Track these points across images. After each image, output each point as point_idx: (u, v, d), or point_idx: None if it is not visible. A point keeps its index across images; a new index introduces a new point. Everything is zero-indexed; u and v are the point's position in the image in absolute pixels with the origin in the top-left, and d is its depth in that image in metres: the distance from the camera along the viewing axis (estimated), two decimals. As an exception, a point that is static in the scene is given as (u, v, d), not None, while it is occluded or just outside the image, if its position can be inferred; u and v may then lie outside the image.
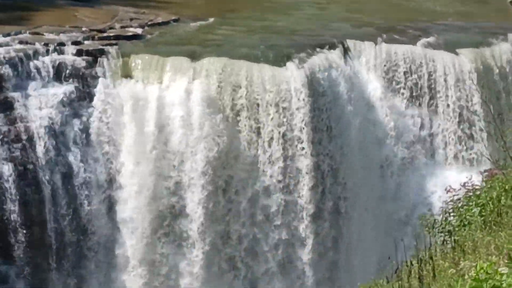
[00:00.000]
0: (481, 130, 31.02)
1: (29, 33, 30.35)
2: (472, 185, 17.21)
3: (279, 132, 29.20)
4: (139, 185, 28.67)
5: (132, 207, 28.78)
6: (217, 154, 28.84)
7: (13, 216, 27.70)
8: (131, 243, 28.88)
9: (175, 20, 33.28)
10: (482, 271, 5.96)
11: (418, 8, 37.40)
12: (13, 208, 27.64)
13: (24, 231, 27.79)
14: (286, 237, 29.61)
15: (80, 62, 29.01)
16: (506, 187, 15.11)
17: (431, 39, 32.87)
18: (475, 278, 5.67)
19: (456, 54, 31.81)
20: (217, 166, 28.82)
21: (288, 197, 29.64)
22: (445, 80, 31.48)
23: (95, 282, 29.10)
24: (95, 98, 28.75)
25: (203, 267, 29.15)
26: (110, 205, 28.86)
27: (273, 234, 29.59)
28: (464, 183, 17.65)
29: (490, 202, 15.13)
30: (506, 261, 8.27)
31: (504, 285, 5.69)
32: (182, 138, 28.74)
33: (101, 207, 28.74)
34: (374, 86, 31.45)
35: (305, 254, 29.83)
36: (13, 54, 28.47)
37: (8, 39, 29.53)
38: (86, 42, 30.01)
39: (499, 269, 6.61)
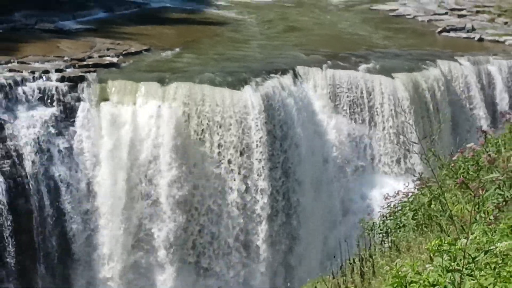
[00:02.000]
0: (414, 143, 31.35)
1: (17, 62, 30.26)
2: (407, 192, 17.75)
3: (239, 147, 29.27)
4: (114, 193, 28.86)
5: (108, 213, 28.84)
6: (181, 167, 29.00)
7: (5, 225, 27.80)
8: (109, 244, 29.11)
9: (146, 50, 33.17)
10: (405, 268, 6.44)
11: (358, 39, 37.39)
12: (4, 217, 27.78)
13: (14, 237, 27.76)
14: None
15: (63, 87, 28.91)
16: (435, 194, 15.68)
17: (370, 65, 32.90)
18: (395, 275, 6.00)
19: (392, 77, 31.88)
20: (183, 177, 28.89)
21: (251, 204, 29.68)
22: (382, 100, 31.48)
23: (80, 280, 29.10)
24: (77, 119, 28.72)
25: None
26: (89, 212, 28.94)
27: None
28: (399, 190, 18.19)
29: (422, 207, 15.68)
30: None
31: (418, 281, 5.97)
32: (151, 152, 28.81)
33: (81, 214, 28.89)
34: (320, 105, 31.41)
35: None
36: (2, 80, 28.40)
37: None
38: (68, 70, 29.90)
39: (427, 266, 7.08)
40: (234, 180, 29.56)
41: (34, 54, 31.57)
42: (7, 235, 27.57)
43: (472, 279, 5.96)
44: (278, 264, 30.50)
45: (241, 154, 29.44)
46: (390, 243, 15.94)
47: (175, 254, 29.24)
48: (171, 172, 28.80)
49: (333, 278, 16.57)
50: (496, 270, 6.28)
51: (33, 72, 29.41)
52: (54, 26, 36.23)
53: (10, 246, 27.71)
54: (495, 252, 6.75)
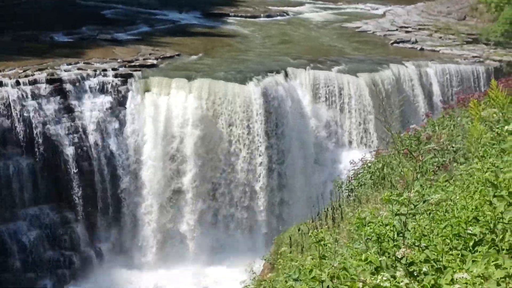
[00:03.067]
0: (373, 124, 31.34)
1: (83, 63, 30.32)
2: (367, 160, 17.78)
3: (245, 126, 29.26)
4: (153, 157, 28.96)
5: (149, 171, 28.96)
6: (202, 143, 29.04)
7: (74, 180, 27.95)
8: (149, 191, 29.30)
9: (177, 55, 33.05)
10: (364, 214, 6.45)
11: (332, 48, 37.28)
12: (74, 175, 27.89)
13: (81, 190, 28.04)
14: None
15: (117, 81, 29.04)
16: (387, 160, 15.69)
17: (341, 67, 32.82)
18: (358, 218, 5.99)
19: (357, 76, 31.80)
20: (202, 141, 28.93)
21: (251, 167, 29.73)
22: (350, 93, 31.35)
23: (127, 218, 29.30)
24: (127, 105, 28.80)
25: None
26: (136, 170, 29.08)
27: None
28: (361, 158, 18.22)
29: (377, 170, 15.70)
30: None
31: (374, 222, 6.05)
32: (180, 126, 28.80)
33: (130, 174, 29.05)
34: (304, 97, 31.29)
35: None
36: (73, 76, 28.59)
37: (70, 67, 29.64)
38: (120, 69, 29.91)
39: (380, 212, 7.06)
40: (240, 143, 29.56)
41: (96, 57, 31.61)
42: (76, 188, 27.91)
43: (413, 221, 5.97)
44: (272, 214, 30.58)
45: (246, 128, 29.40)
46: (354, 197, 16.02)
47: (198, 195, 29.35)
48: (193, 138, 28.74)
49: (312, 221, 16.63)
50: (431, 214, 6.27)
51: (95, 70, 29.48)
52: (111, 37, 36.21)
53: (78, 196, 28.03)
54: (430, 201, 6.76)
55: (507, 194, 4.96)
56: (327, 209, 16.64)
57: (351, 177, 17.75)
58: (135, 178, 29.00)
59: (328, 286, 5.27)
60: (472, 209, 5.04)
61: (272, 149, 30.14)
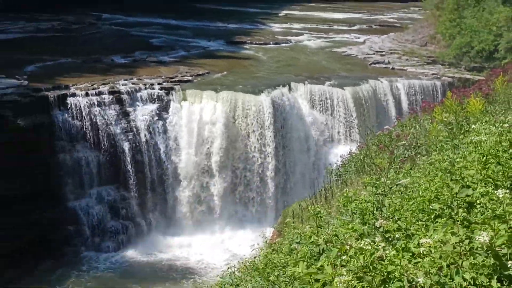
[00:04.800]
0: (356, 125, 31.17)
1: (136, 79, 30.34)
2: (352, 152, 17.61)
3: (258, 127, 29.19)
4: (188, 150, 28.94)
5: (185, 162, 29.00)
6: (230, 146, 29.06)
7: (129, 167, 28.08)
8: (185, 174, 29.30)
9: (207, 73, 32.88)
10: (350, 194, 6.42)
11: (324, 68, 36.98)
12: (128, 164, 28.05)
13: (134, 175, 28.18)
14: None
15: (161, 93, 29.06)
16: (367, 153, 15.54)
17: (331, 82, 32.59)
18: (344, 196, 6.01)
19: (343, 89, 31.62)
20: (227, 139, 28.87)
21: (262, 156, 29.61)
22: (338, 102, 31.16)
23: (170, 194, 29.29)
24: (169, 111, 28.82)
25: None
26: (176, 161, 29.08)
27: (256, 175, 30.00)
28: (349, 152, 18.06)
29: (359, 160, 15.55)
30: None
31: (358, 200, 6.08)
32: (210, 127, 28.70)
33: (171, 163, 29.08)
34: (303, 105, 31.11)
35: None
36: (129, 89, 28.75)
37: (126, 82, 29.69)
38: (164, 83, 29.83)
39: (362, 193, 7.04)
40: (254, 139, 29.44)
41: (146, 74, 31.52)
42: (131, 173, 28.08)
43: (388, 199, 5.94)
44: (279, 194, 30.52)
45: (260, 128, 29.25)
46: (341, 181, 15.87)
47: (222, 179, 29.31)
48: (219, 135, 28.69)
49: (310, 199, 16.55)
50: (402, 194, 6.24)
51: (145, 84, 29.58)
52: (157, 59, 36.13)
53: (132, 179, 28.18)
54: (401, 184, 6.73)
55: (460, 179, 4.96)
56: (321, 190, 16.52)
57: (339, 166, 17.62)
58: (174, 165, 28.99)
59: (323, 248, 5.27)
60: (433, 190, 5.03)
61: (279, 144, 29.99)
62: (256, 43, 44.81)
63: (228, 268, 10.05)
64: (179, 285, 24.91)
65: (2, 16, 46.76)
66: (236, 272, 9.88)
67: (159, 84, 29.70)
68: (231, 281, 9.35)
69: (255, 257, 10.35)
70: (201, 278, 25.25)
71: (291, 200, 26.22)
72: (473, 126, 8.57)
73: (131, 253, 27.22)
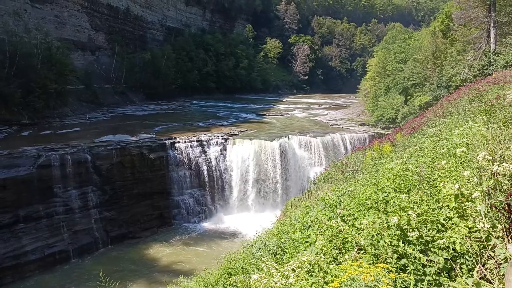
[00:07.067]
0: (324, 157, 30.48)
1: (209, 134, 30.03)
2: (322, 172, 17.14)
3: (272, 159, 28.74)
4: (236, 172, 28.39)
5: (235, 178, 28.38)
6: (258, 167, 28.57)
7: (206, 180, 27.53)
8: (235, 184, 28.61)
9: (246, 130, 32.79)
10: (323, 195, 6.27)
11: (306, 127, 36.44)
12: (205, 177, 27.51)
13: (208, 183, 27.57)
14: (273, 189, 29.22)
15: (222, 140, 28.82)
16: (330, 172, 15.01)
17: (311, 134, 32.00)
18: (321, 196, 6.00)
19: (316, 138, 30.96)
20: (257, 169, 28.32)
21: (274, 175, 28.75)
22: (314, 145, 30.51)
23: (227, 193, 28.44)
24: (226, 149, 28.66)
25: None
26: (229, 176, 28.56)
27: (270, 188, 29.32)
28: (321, 172, 17.54)
29: (327, 176, 15.05)
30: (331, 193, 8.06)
31: (327, 199, 5.98)
32: (247, 163, 28.29)
33: (226, 177, 28.46)
34: (297, 147, 30.45)
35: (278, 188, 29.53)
36: (206, 138, 28.54)
37: (205, 134, 29.42)
38: (224, 136, 29.48)
39: (328, 194, 6.88)
40: (270, 166, 28.89)
41: (215, 132, 31.36)
42: (206, 182, 27.69)
43: (343, 198, 5.75)
44: (284, 193, 29.82)
45: (273, 160, 28.78)
46: (317, 187, 15.48)
47: (253, 185, 28.63)
48: (253, 164, 28.28)
49: (300, 196, 16.18)
50: (350, 196, 6.08)
51: (214, 136, 29.34)
52: (219, 124, 36.27)
53: (207, 184, 27.75)
54: (349, 190, 6.55)
55: (381, 188, 4.91)
56: (306, 191, 16.17)
57: (315, 178, 17.28)
58: (230, 176, 28.59)
59: (309, 225, 5.22)
60: (367, 194, 4.98)
61: (283, 168, 29.44)
62: (271, 115, 45.03)
63: (257, 233, 9.92)
64: (230, 240, 24.46)
65: (145, 103, 50.49)
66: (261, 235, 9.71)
67: (221, 136, 29.71)
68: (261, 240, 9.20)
69: (271, 227, 10.19)
70: (242, 237, 24.77)
71: (290, 196, 25.71)
72: (385, 159, 8.46)
73: (206, 224, 26.80)
